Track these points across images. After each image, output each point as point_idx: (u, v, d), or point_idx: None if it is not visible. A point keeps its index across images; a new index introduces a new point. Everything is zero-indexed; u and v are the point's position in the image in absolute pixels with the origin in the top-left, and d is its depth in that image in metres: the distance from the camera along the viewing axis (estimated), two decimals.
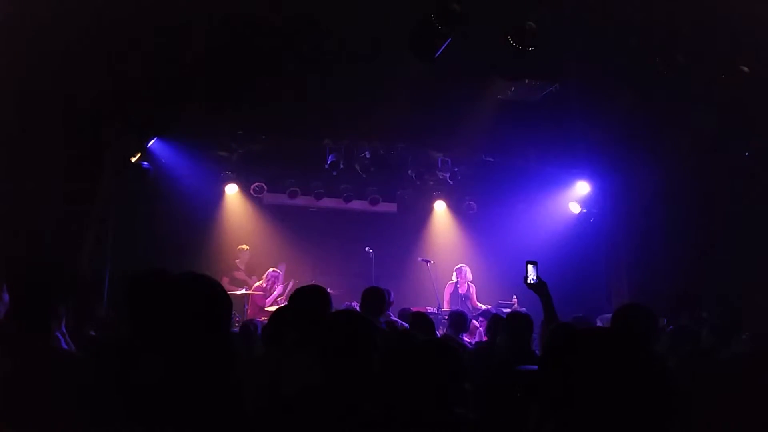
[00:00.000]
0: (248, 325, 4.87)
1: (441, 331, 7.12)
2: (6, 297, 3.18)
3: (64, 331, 2.68)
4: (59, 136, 6.27)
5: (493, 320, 5.42)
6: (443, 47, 5.03)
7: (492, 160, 9.29)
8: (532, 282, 3.49)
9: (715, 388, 1.97)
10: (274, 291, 8.46)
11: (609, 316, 5.48)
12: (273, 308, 7.77)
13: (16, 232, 5.87)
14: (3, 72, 5.19)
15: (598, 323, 5.51)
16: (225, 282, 8.66)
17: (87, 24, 5.10)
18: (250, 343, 4.56)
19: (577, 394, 1.33)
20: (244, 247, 9.28)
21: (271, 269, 8.65)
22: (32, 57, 5.29)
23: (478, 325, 7.87)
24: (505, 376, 3.28)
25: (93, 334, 3.88)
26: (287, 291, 8.39)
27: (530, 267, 3.50)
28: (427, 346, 2.51)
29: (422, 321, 4.80)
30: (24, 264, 5.33)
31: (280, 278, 8.58)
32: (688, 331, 3.76)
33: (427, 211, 10.76)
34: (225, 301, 2.05)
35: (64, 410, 2.01)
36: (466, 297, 8.95)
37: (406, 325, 4.90)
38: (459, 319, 5.71)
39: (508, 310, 8.00)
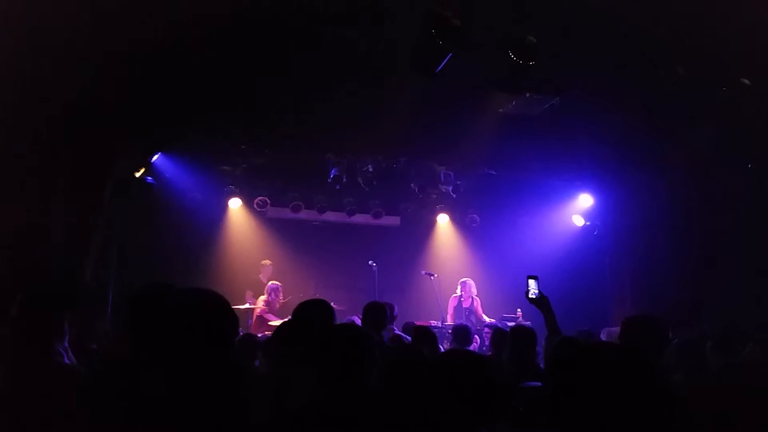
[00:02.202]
0: (246, 340, 4.84)
1: (445, 345, 7.08)
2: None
3: (67, 346, 2.68)
4: (63, 151, 6.31)
5: (497, 334, 5.38)
6: (444, 62, 5.07)
7: (495, 173, 9.31)
8: (533, 296, 3.47)
9: (719, 401, 1.95)
10: (276, 302, 8.45)
11: (614, 329, 5.46)
12: (275, 323, 7.75)
13: (20, 246, 5.89)
14: (7, 88, 5.24)
15: (603, 336, 5.47)
16: (249, 296, 8.65)
17: (91, 41, 5.15)
18: (249, 357, 4.53)
19: (582, 410, 1.32)
20: (267, 262, 9.29)
21: (270, 282, 8.65)
22: (36, 72, 5.35)
23: (477, 338, 7.81)
24: (510, 392, 3.25)
25: (94, 347, 3.87)
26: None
27: (531, 281, 3.49)
28: (453, 358, 2.41)
29: (425, 335, 4.78)
30: (28, 279, 5.35)
31: (280, 290, 8.57)
32: (692, 344, 3.73)
33: (430, 224, 10.75)
34: (229, 315, 2.05)
35: (65, 425, 2.00)
36: (470, 311, 8.91)
37: (409, 338, 4.88)
38: (462, 333, 5.68)
39: (513, 323, 7.95)
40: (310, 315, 2.99)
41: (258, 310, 8.33)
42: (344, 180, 8.88)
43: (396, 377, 2.58)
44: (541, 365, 4.11)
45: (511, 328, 4.66)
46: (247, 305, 8.35)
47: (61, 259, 6.32)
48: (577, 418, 1.32)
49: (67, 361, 2.80)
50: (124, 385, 1.96)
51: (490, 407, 2.08)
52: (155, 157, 7.89)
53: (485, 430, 2.10)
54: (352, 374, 2.07)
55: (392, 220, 10.33)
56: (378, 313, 4.57)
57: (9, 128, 5.60)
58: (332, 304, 3.21)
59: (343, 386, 2.04)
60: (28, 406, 2.20)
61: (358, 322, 5.95)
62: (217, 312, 2.02)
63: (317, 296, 5.30)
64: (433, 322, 8.24)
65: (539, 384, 3.05)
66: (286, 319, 7.22)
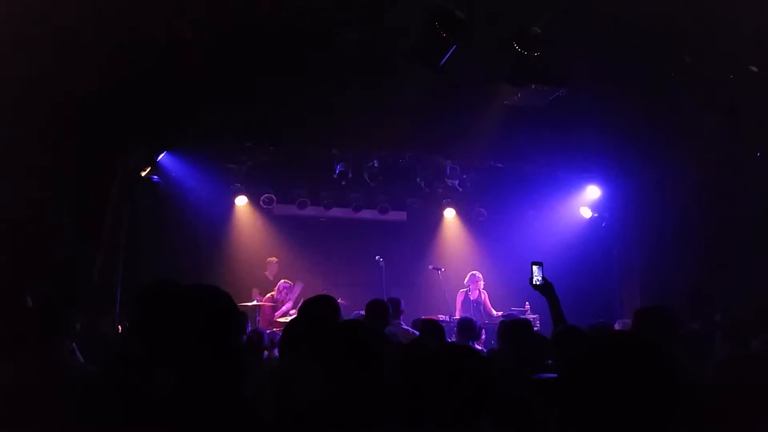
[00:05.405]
0: (253, 336, 4.86)
1: (452, 339, 7.06)
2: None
3: (74, 345, 2.71)
4: (70, 151, 6.34)
5: (504, 327, 5.33)
6: (448, 55, 5.04)
7: (501, 166, 9.26)
8: (537, 283, 3.43)
9: (728, 392, 1.93)
10: (286, 303, 8.47)
11: (629, 321, 5.40)
12: (284, 319, 7.77)
13: (28, 246, 5.92)
14: (13, 88, 5.26)
15: (618, 328, 5.43)
16: (255, 293, 8.69)
17: (96, 39, 5.16)
18: (256, 353, 4.55)
19: (597, 400, 1.31)
20: (273, 259, 9.33)
21: (282, 281, 8.67)
22: (41, 72, 5.36)
23: (484, 332, 7.77)
24: (520, 385, 3.21)
25: (101, 346, 3.90)
26: (297, 298, 8.43)
27: (535, 268, 3.45)
28: (447, 352, 2.40)
29: (432, 327, 4.76)
30: (36, 278, 5.38)
31: (291, 289, 8.58)
32: (700, 335, 3.69)
33: (437, 218, 10.73)
34: (235, 312, 2.04)
35: (74, 424, 2.01)
36: (478, 303, 8.89)
37: (416, 332, 4.87)
38: (467, 326, 5.65)
39: (524, 317, 7.93)
40: (316, 311, 2.99)
41: (264, 307, 8.36)
42: (350, 176, 8.88)
43: (400, 372, 2.57)
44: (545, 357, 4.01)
45: (502, 323, 4.42)
46: (254, 302, 8.37)
47: (69, 259, 6.36)
48: (592, 408, 1.30)
49: (77, 359, 2.82)
50: (131, 383, 1.97)
51: (485, 401, 2.07)
52: (161, 156, 7.92)
53: (485, 424, 2.09)
54: (358, 370, 2.06)
55: (399, 215, 10.32)
56: (380, 310, 4.58)
57: (15, 128, 5.63)
58: (339, 299, 3.22)
59: (349, 383, 2.02)
60: (38, 404, 2.21)
61: None
62: (222, 309, 2.02)
63: (324, 292, 5.31)
64: (441, 317, 8.23)
65: (554, 375, 3.01)
66: (293, 316, 7.25)
